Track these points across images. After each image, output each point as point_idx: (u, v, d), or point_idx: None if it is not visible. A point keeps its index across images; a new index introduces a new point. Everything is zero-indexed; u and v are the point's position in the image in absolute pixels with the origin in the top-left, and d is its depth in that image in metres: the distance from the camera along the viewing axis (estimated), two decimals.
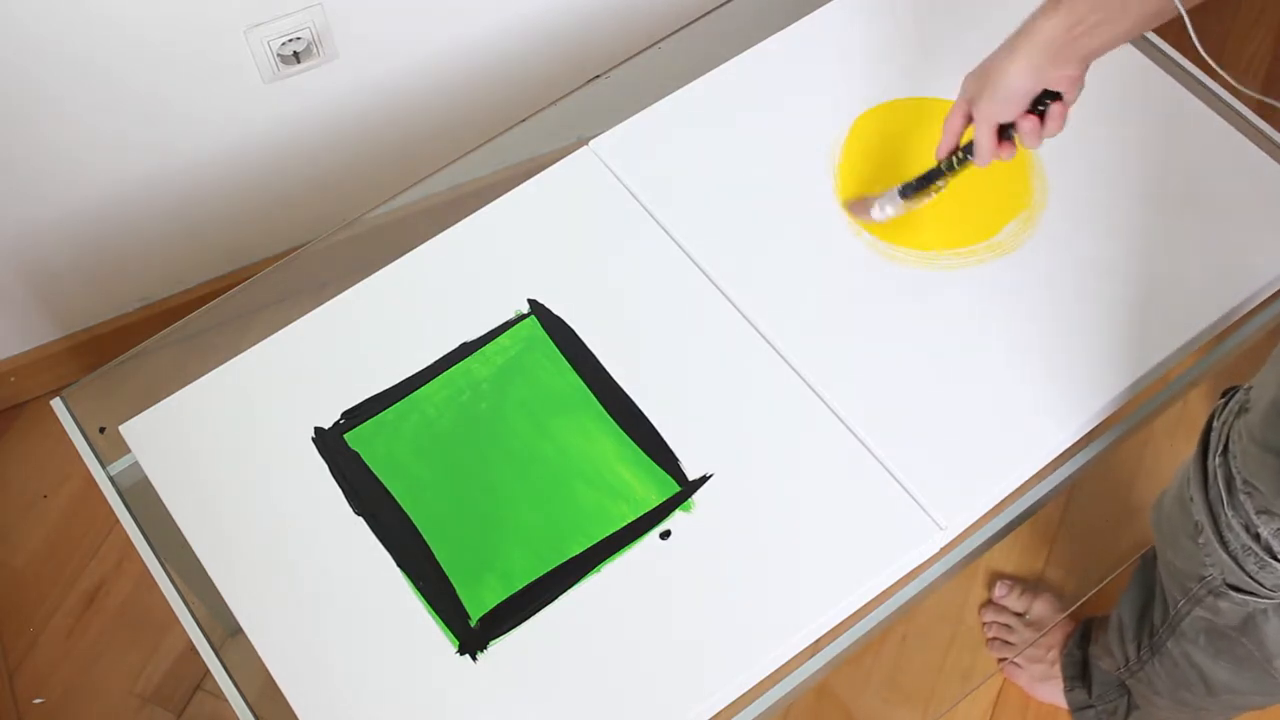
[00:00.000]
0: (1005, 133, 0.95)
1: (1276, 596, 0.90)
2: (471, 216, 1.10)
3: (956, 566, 0.98)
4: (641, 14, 1.56)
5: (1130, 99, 1.15)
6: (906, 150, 1.12)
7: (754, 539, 0.95)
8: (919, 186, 1.03)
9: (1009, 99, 0.91)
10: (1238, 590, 0.92)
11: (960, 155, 0.99)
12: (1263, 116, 1.15)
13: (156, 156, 1.42)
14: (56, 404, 1.07)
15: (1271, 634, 0.94)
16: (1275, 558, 0.86)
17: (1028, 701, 1.43)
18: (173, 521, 0.98)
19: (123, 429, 1.02)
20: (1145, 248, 1.06)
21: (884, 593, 0.96)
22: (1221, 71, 1.00)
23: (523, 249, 1.09)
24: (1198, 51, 0.95)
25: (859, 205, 1.08)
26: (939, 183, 1.02)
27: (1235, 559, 0.89)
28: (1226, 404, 0.89)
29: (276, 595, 0.94)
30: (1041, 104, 0.92)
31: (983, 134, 0.95)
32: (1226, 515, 0.87)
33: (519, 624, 0.92)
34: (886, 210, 1.05)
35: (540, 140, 1.24)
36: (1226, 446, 0.87)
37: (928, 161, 1.12)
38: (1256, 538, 0.86)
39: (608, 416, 1.00)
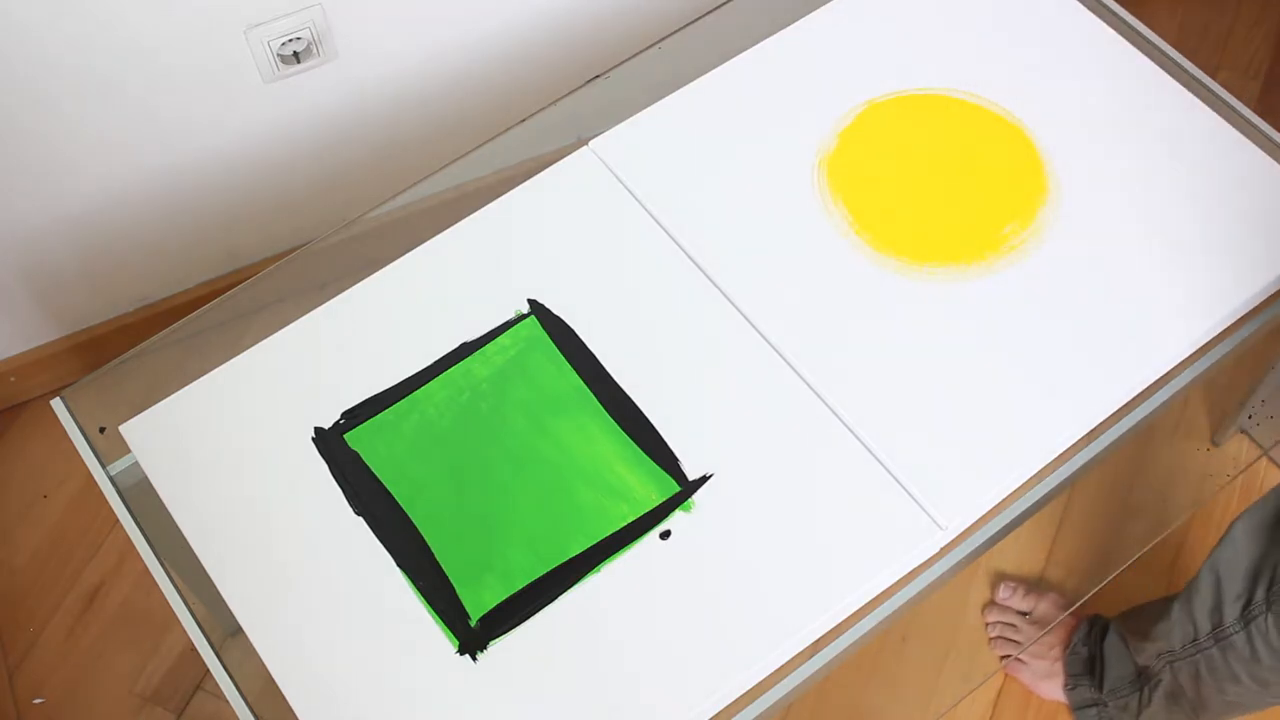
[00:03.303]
0: None
1: None
2: (471, 216, 1.10)
3: (957, 566, 0.98)
4: (641, 14, 1.56)
5: (1131, 100, 1.15)
6: (906, 147, 1.12)
7: (754, 539, 0.95)
8: None
9: None
10: None
11: None
12: (1262, 116, 1.15)
13: (156, 157, 1.42)
14: (56, 404, 1.07)
15: None
16: None
17: (1028, 701, 1.43)
18: (173, 521, 0.98)
19: (123, 429, 1.02)
20: (1145, 248, 1.06)
21: (884, 593, 0.96)
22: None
23: (523, 249, 1.09)
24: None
25: None
26: None
27: None
28: None
29: (276, 595, 0.94)
30: None
31: None
32: None
33: (519, 624, 0.92)
34: None
35: (540, 140, 1.24)
36: None
37: (927, 159, 1.12)
38: None
39: (608, 416, 1.00)
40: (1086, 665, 1.38)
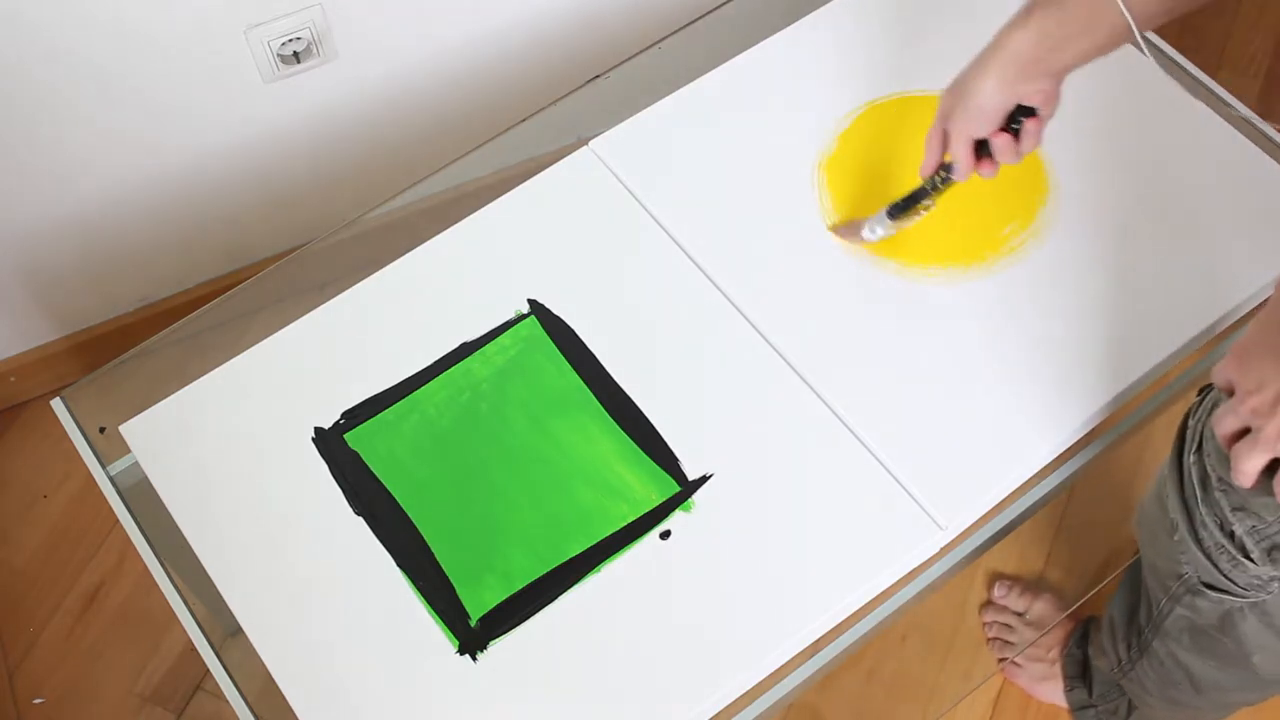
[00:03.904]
0: (984, 149, 0.94)
1: (1250, 595, 0.90)
2: (471, 216, 1.10)
3: (956, 566, 0.98)
4: (641, 14, 1.56)
5: (1130, 100, 1.15)
6: (906, 148, 1.12)
7: (754, 539, 0.95)
8: (905, 206, 1.02)
9: (982, 115, 0.90)
10: (1213, 589, 0.92)
11: (943, 174, 0.97)
12: (1262, 116, 1.15)
13: (156, 157, 1.42)
14: (56, 404, 1.07)
15: (1249, 632, 0.94)
16: (1248, 556, 0.86)
17: (1028, 701, 1.43)
18: (173, 521, 0.98)
19: (123, 429, 1.02)
20: (1145, 248, 1.06)
21: (884, 593, 0.96)
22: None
23: (523, 249, 1.09)
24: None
25: (847, 229, 1.07)
26: (925, 202, 1.00)
27: (1209, 557, 0.89)
28: (1201, 402, 0.89)
29: (276, 595, 0.94)
30: (1016, 121, 0.91)
31: (959, 150, 0.94)
32: (1200, 513, 0.88)
33: (519, 624, 0.92)
34: (877, 231, 1.04)
35: (540, 140, 1.24)
36: (1201, 444, 0.87)
37: (921, 158, 1.12)
38: (1230, 536, 0.86)
39: (608, 416, 1.00)
40: (1081, 667, 1.38)
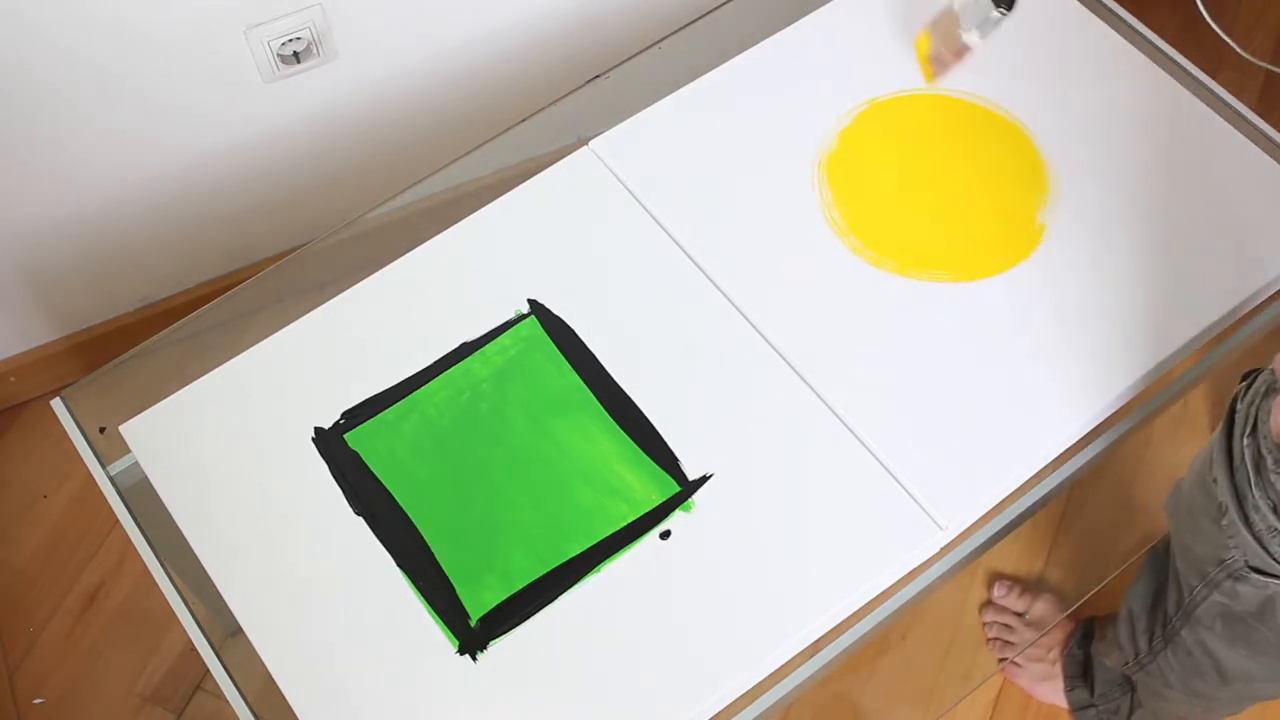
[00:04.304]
0: None
1: None
2: (471, 216, 1.10)
3: (956, 566, 0.98)
4: (642, 14, 1.56)
5: (1131, 100, 1.15)
6: (906, 147, 1.12)
7: (754, 539, 0.95)
8: None
9: None
10: (1260, 573, 0.92)
11: None
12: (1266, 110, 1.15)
13: (156, 156, 1.42)
14: (56, 404, 1.07)
15: None
16: None
17: (1028, 701, 1.43)
18: (173, 521, 0.98)
19: (123, 429, 1.02)
20: (1145, 249, 1.06)
21: (884, 593, 0.96)
22: (1231, 43, 1.00)
23: (523, 249, 1.09)
24: (1203, 29, 0.96)
25: (939, 53, 1.07)
26: None
27: (1260, 540, 0.89)
28: (1250, 386, 0.89)
29: (276, 595, 0.94)
30: None
31: None
32: (1253, 496, 0.88)
33: (519, 624, 0.92)
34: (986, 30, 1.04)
35: (540, 140, 1.24)
36: (1255, 427, 0.87)
37: (927, 160, 1.12)
38: None
39: (608, 416, 1.00)
40: (1082, 667, 1.38)
